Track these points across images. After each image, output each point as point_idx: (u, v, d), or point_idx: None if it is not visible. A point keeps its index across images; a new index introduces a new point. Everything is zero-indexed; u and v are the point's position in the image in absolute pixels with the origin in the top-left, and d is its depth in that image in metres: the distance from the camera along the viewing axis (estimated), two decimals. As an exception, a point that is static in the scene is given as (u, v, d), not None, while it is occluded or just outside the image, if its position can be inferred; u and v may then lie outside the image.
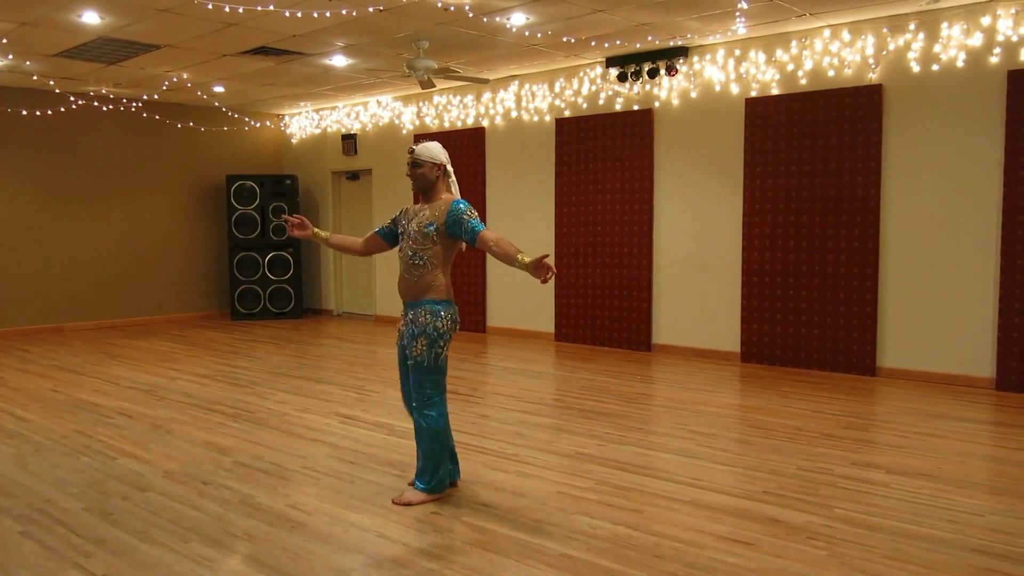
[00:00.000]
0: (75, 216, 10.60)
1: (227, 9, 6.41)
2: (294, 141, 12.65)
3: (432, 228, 3.88)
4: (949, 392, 6.50)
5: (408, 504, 3.98)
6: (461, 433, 5.35)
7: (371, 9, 6.48)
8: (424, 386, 4.03)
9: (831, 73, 7.24)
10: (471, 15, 6.69)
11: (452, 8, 6.48)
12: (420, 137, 10.61)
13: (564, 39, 7.60)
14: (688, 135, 8.19)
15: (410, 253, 3.99)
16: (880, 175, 6.99)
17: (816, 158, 7.31)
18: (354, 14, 6.61)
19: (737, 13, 6.66)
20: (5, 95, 9.88)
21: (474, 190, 10.02)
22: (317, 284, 12.45)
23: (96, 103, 10.55)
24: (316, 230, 4.34)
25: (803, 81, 7.41)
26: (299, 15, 6.60)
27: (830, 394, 6.48)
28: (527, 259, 3.58)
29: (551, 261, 3.57)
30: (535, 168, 9.44)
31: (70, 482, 4.42)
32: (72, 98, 10.30)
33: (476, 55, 8.28)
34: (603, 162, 8.77)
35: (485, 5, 6.44)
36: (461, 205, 3.88)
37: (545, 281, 3.54)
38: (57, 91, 10.11)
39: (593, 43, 7.80)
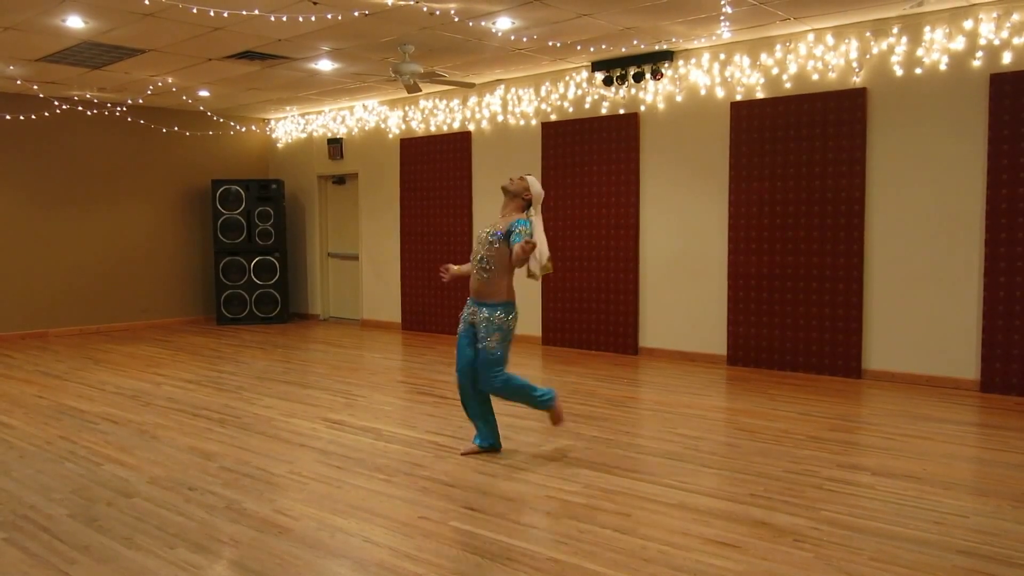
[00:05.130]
0: (60, 221, 10.53)
1: (212, 13, 6.39)
2: (280, 145, 12.62)
3: (497, 237, 4.61)
4: (934, 394, 6.54)
5: (559, 423, 5.00)
6: (448, 437, 5.35)
7: (356, 13, 6.47)
8: (489, 368, 4.77)
9: (815, 77, 7.29)
10: (456, 19, 6.69)
11: (437, 12, 6.48)
12: (407, 142, 10.61)
13: (550, 43, 7.62)
14: (674, 139, 8.23)
15: (479, 257, 4.69)
16: (864, 178, 7.04)
17: (801, 161, 7.36)
18: (339, 18, 6.60)
19: (722, 17, 6.70)
20: (-12, 99, 9.82)
21: (460, 194, 10.03)
22: (303, 289, 12.42)
23: (80, 108, 10.48)
24: (459, 267, 5.01)
25: (788, 85, 7.45)
26: (284, 19, 6.59)
27: (816, 396, 6.51)
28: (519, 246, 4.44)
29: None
30: (521, 171, 9.39)
31: (54, 488, 4.38)
32: (56, 102, 10.23)
33: (462, 59, 8.28)
34: (589, 165, 8.79)
35: (470, 9, 6.44)
36: (521, 222, 4.59)
37: (525, 254, 4.42)
38: (41, 96, 10.04)
39: (579, 47, 7.82)
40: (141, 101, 10.64)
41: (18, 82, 9.28)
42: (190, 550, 3.52)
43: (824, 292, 7.29)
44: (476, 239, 4.79)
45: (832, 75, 7.19)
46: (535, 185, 4.77)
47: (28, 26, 6.85)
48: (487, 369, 4.69)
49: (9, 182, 10.13)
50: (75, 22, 6.74)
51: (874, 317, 7.09)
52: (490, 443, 4.94)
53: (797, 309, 7.45)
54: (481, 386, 4.75)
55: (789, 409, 6.08)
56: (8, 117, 9.95)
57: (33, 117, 10.13)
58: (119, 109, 10.81)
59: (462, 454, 4.91)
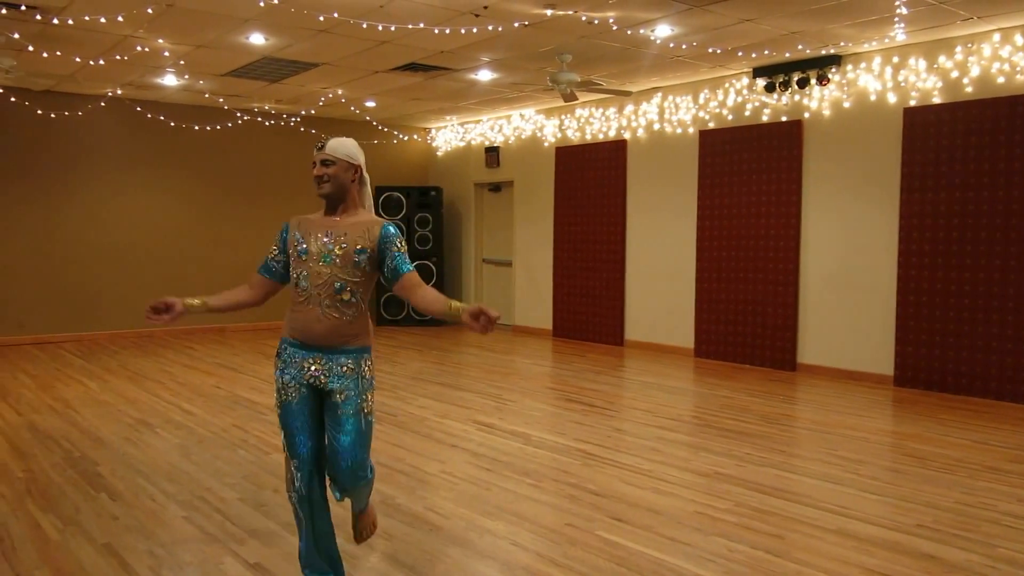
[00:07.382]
0: (239, 224, 11.32)
1: (380, 28, 6.69)
2: (439, 154, 13.03)
3: (365, 255, 3.00)
4: None
5: None
6: (596, 446, 5.33)
7: (516, 24, 6.59)
8: (367, 450, 3.14)
9: (1001, 80, 6.75)
10: (615, 28, 6.69)
11: (596, 21, 6.50)
12: (562, 151, 10.68)
13: (709, 50, 7.46)
14: (840, 147, 7.85)
15: (337, 285, 3.02)
16: (1057, 189, 6.45)
17: (983, 170, 6.83)
18: (500, 30, 6.75)
19: (896, 19, 6.34)
20: (179, 112, 10.71)
21: (614, 201, 9.99)
22: (459, 293, 12.74)
23: (260, 119, 11.25)
24: (187, 301, 3.23)
25: (969, 89, 6.94)
26: (447, 32, 6.80)
27: (995, 424, 6.02)
28: (462, 306, 2.79)
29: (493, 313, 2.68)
30: (677, 180, 9.30)
31: (228, 473, 4.72)
32: (238, 114, 11.03)
33: (619, 67, 8.26)
34: (748, 175, 8.54)
35: (629, 18, 6.42)
36: (392, 230, 3.08)
37: (484, 332, 2.73)
38: (225, 108, 10.85)
39: (740, 53, 7.61)
40: (313, 112, 11.30)
41: (206, 95, 10.07)
42: (346, 540, 3.67)
43: (1007, 311, 6.73)
44: (309, 252, 3.09)
45: (1020, 77, 6.64)
46: (350, 147, 3.08)
47: (217, 43, 7.43)
48: (362, 450, 3.08)
49: (197, 188, 11.02)
50: (257, 39, 7.24)
51: (1065, 341, 6.47)
52: None
53: (975, 329, 6.92)
54: (344, 481, 3.08)
55: (963, 436, 5.65)
56: (196, 128, 10.83)
57: (218, 128, 10.97)
58: (293, 120, 11.52)
59: None
